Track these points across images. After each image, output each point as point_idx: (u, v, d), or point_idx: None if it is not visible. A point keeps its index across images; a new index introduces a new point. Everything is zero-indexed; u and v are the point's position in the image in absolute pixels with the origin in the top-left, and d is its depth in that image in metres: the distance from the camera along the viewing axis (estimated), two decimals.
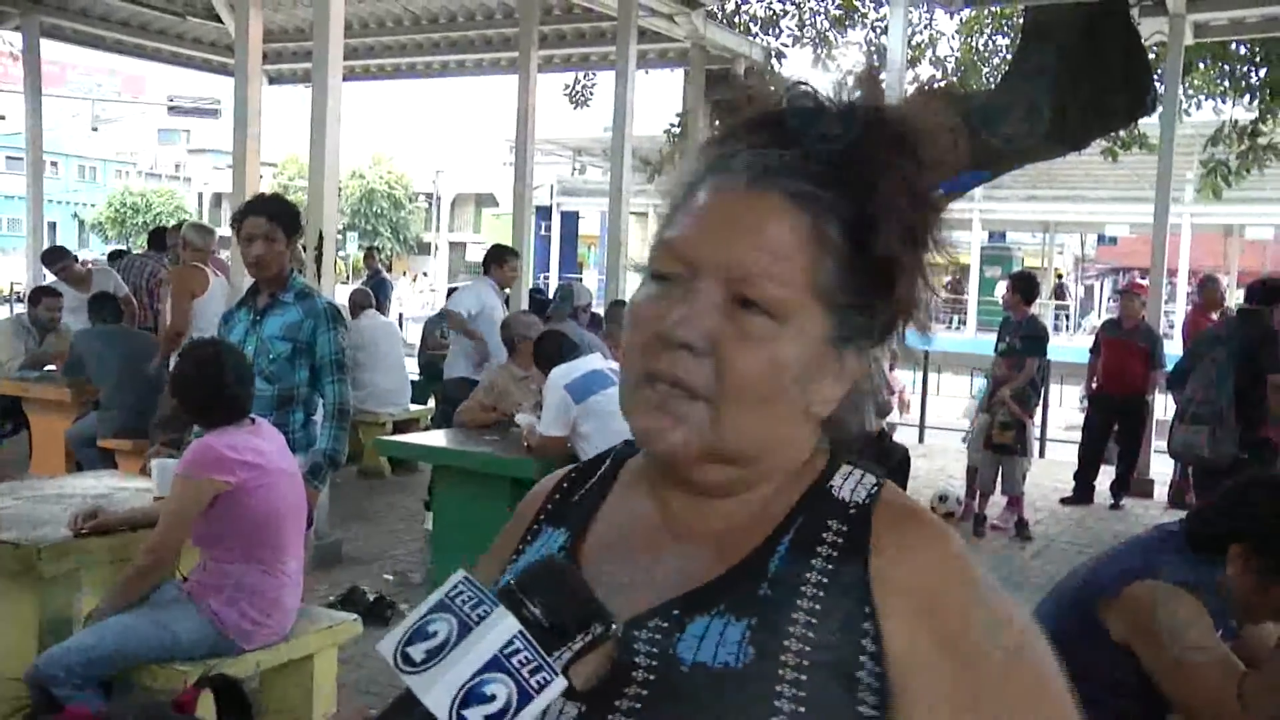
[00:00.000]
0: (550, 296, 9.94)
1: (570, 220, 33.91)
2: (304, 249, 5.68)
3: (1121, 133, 10.47)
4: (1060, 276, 34.74)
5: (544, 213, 29.15)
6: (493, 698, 0.73)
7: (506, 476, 4.93)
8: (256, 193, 5.77)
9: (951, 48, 12.73)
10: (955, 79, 11.88)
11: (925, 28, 12.31)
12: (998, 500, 7.17)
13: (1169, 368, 7.48)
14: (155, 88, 51.70)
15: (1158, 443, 8.09)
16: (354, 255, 36.61)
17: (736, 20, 11.94)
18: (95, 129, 52.10)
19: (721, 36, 10.58)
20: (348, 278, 30.56)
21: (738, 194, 0.86)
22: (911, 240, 0.86)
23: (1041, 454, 9.69)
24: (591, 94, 12.59)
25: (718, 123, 0.94)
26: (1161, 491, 8.39)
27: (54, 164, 44.25)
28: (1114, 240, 35.19)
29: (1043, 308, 24.03)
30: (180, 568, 3.29)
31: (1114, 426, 8.09)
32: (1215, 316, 8.48)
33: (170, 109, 47.53)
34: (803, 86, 0.89)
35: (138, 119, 56.54)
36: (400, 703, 0.75)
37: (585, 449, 4.56)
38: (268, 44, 9.27)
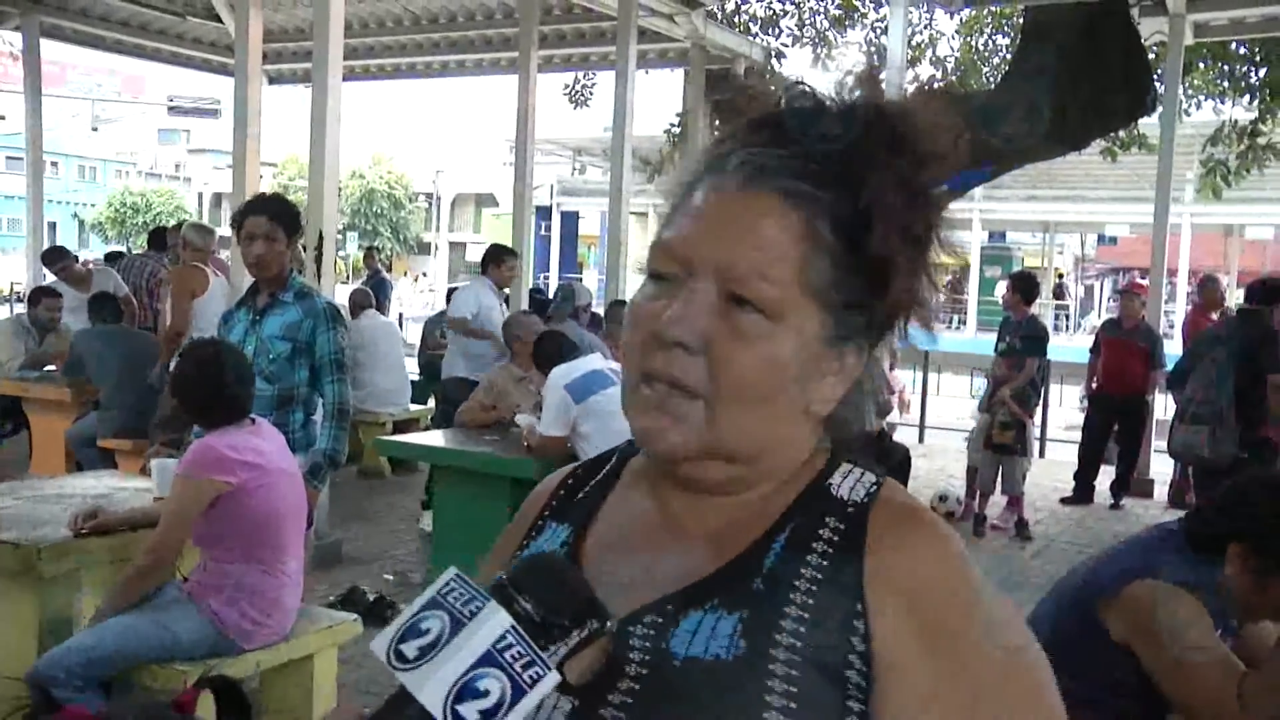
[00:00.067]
0: (550, 296, 9.95)
1: (570, 220, 33.92)
2: (304, 249, 5.68)
3: (1121, 133, 10.48)
4: (1060, 276, 34.75)
5: (544, 213, 29.16)
6: (486, 693, 0.73)
7: (506, 476, 4.93)
8: (257, 193, 5.77)
9: (951, 48, 12.75)
10: (955, 79, 11.88)
11: (925, 28, 12.33)
12: (998, 500, 7.17)
13: (1169, 368, 7.48)
14: (155, 88, 51.75)
15: (1158, 443, 8.09)
16: (354, 255, 36.60)
17: (736, 20, 11.94)
18: (95, 129, 52.10)
19: (721, 36, 10.58)
20: (348, 278, 30.55)
21: (732, 193, 0.87)
22: (909, 239, 0.86)
23: (1041, 454, 9.69)
24: (591, 94, 12.59)
25: (718, 124, 0.94)
26: (1161, 491, 8.39)
27: (54, 164, 44.28)
28: (1114, 240, 35.20)
29: (1043, 308, 24.04)
30: (180, 568, 3.29)
31: (1114, 426, 8.09)
32: (1215, 316, 8.48)
33: (170, 109, 47.54)
34: (801, 86, 0.89)
35: (138, 119, 56.56)
36: (395, 700, 0.75)
37: (585, 449, 4.56)
38: (268, 44, 9.28)
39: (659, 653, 0.83)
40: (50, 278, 8.22)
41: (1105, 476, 8.18)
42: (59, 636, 3.15)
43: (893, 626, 0.81)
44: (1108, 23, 8.05)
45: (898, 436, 8.16)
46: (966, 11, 11.37)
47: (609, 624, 0.80)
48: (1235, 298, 16.07)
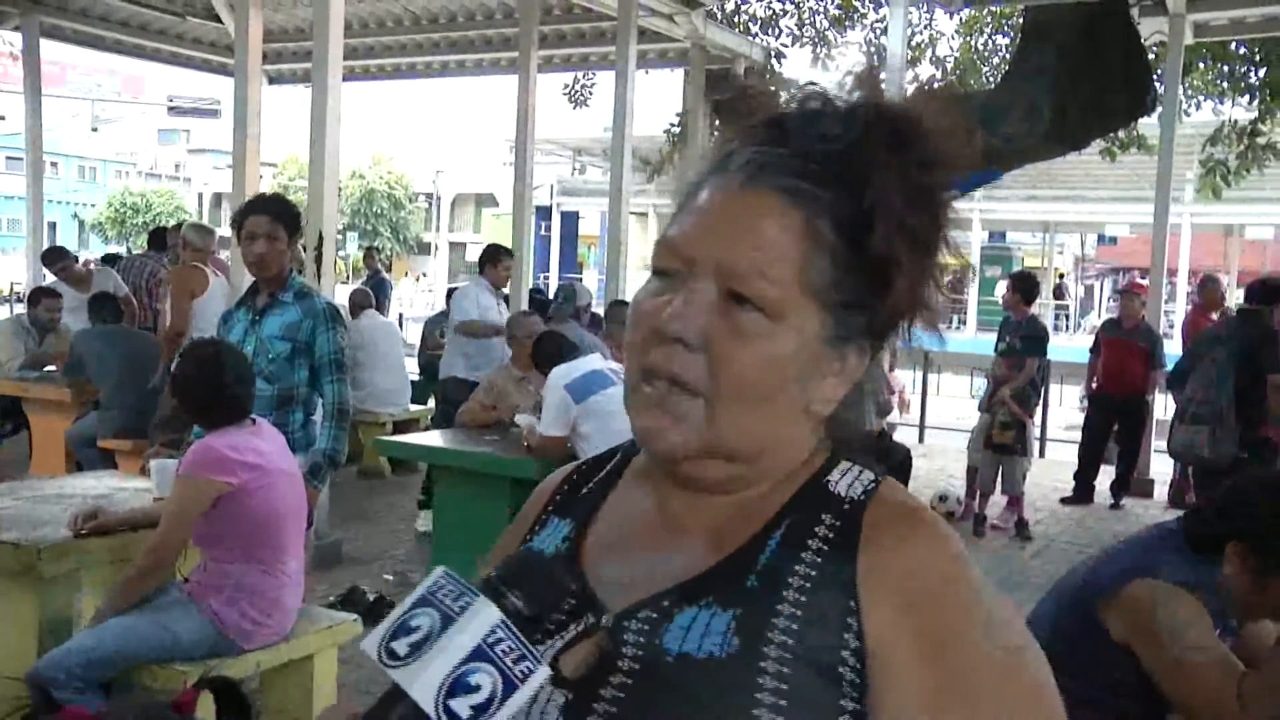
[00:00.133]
0: (550, 297, 9.95)
1: (570, 220, 33.93)
2: (304, 249, 5.68)
3: (1121, 133, 10.48)
4: (1060, 276, 34.75)
5: (544, 213, 29.17)
6: (478, 687, 0.73)
7: (506, 477, 4.93)
8: (257, 193, 5.77)
9: (951, 48, 12.74)
10: (955, 79, 11.87)
11: (925, 28, 12.33)
12: (998, 500, 7.17)
13: (1169, 367, 7.48)
14: (155, 88, 51.77)
15: (1158, 443, 8.09)
16: (354, 255, 36.60)
17: (736, 20, 11.94)
18: (95, 129, 52.06)
19: (721, 36, 10.58)
20: (348, 278, 30.56)
21: (733, 192, 0.87)
22: (912, 240, 0.86)
23: (1041, 454, 9.69)
24: (591, 94, 12.59)
25: (720, 124, 0.95)
26: (1161, 491, 8.40)
27: (54, 164, 44.27)
28: (1114, 240, 35.21)
29: (1043, 308, 24.04)
30: (181, 568, 3.29)
31: (1114, 426, 8.09)
32: (1215, 316, 8.48)
33: (170, 109, 47.60)
34: (813, 87, 0.89)
35: (138, 119, 56.55)
36: (387, 697, 0.75)
37: (585, 449, 4.56)
38: (268, 44, 9.28)
39: (652, 649, 0.83)
40: (50, 278, 8.22)
41: (1105, 476, 8.18)
42: (59, 637, 3.15)
43: (888, 625, 0.81)
44: (1108, 23, 8.05)
45: (898, 436, 8.17)
46: (966, 11, 11.38)
47: (604, 618, 0.80)
48: (1235, 298, 16.06)
